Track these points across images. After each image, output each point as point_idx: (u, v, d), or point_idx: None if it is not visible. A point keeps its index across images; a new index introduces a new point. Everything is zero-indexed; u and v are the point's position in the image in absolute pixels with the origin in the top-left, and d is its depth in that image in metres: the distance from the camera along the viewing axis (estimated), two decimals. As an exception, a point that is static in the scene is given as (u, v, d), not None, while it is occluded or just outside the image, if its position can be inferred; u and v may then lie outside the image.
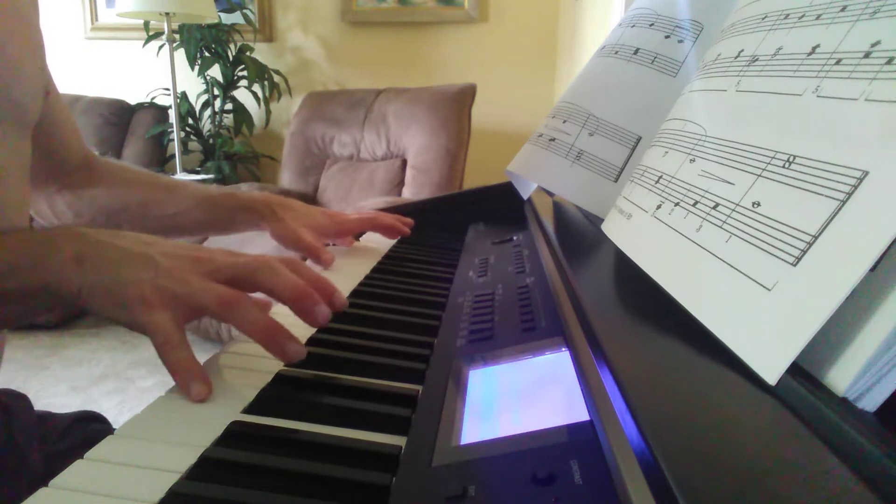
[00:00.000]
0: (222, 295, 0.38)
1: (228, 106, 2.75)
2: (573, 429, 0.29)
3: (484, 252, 0.72)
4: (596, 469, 0.26)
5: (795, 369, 0.23)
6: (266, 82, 2.66)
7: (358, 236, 0.82)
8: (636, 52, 0.59)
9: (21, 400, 0.59)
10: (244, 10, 2.69)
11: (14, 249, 0.38)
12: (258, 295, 0.42)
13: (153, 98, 2.80)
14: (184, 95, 2.71)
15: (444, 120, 2.27)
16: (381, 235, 0.82)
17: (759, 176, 0.29)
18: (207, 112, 2.77)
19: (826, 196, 0.24)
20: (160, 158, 2.80)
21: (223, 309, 0.38)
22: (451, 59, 2.76)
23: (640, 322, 0.34)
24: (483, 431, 0.32)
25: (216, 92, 2.72)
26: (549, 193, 0.73)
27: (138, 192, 0.69)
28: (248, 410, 0.35)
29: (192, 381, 0.36)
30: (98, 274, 0.37)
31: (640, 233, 0.40)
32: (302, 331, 0.47)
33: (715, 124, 0.36)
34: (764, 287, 0.25)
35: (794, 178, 0.27)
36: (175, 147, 2.50)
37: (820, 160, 0.26)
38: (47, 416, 0.60)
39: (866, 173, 0.23)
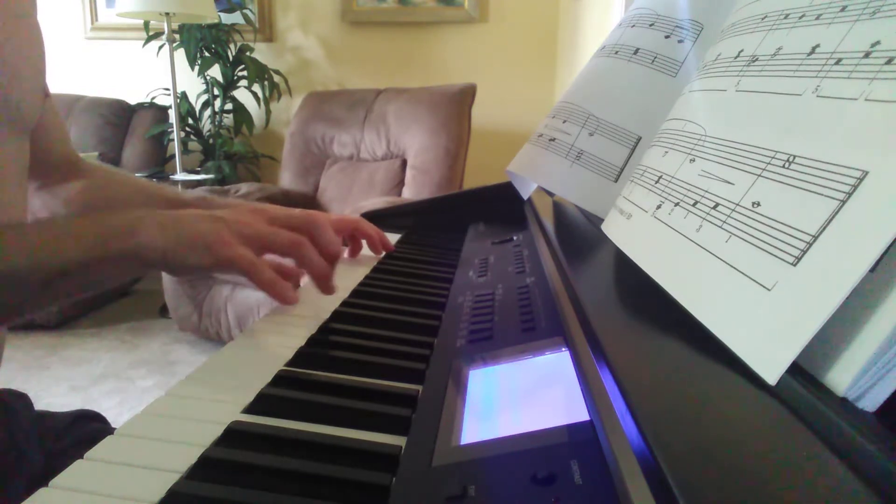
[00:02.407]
0: (289, 236, 0.48)
1: (228, 106, 2.75)
2: (573, 429, 0.29)
3: (484, 252, 0.72)
4: (596, 469, 0.26)
5: (795, 369, 0.23)
6: (266, 82, 2.66)
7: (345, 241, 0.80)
8: (636, 52, 0.59)
9: (21, 399, 0.59)
10: (244, 10, 2.69)
11: (110, 220, 0.46)
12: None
13: (153, 98, 2.81)
14: (184, 95, 2.71)
15: (444, 120, 2.27)
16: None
17: (759, 176, 0.29)
18: (207, 112, 2.77)
19: (826, 196, 0.24)
20: (160, 158, 2.80)
21: (291, 247, 0.48)
22: (451, 59, 2.76)
23: (640, 322, 0.34)
24: (483, 431, 0.32)
25: (216, 92, 2.72)
26: (549, 193, 0.73)
27: (105, 192, 0.69)
28: (248, 410, 0.35)
29: (286, 292, 0.47)
30: (179, 233, 0.45)
31: (640, 233, 0.40)
32: (303, 330, 0.47)
33: (715, 124, 0.36)
34: (764, 287, 0.25)
35: (794, 178, 0.27)
36: (175, 147, 2.50)
37: (820, 160, 0.26)
38: (47, 415, 0.60)
39: (866, 173, 0.23)
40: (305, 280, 0.53)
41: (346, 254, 0.74)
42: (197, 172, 2.63)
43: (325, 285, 0.51)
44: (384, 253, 0.74)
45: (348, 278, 0.62)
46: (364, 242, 0.74)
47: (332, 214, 0.74)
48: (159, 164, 2.78)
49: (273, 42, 2.85)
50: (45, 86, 0.56)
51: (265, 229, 0.48)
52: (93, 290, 0.48)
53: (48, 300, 0.46)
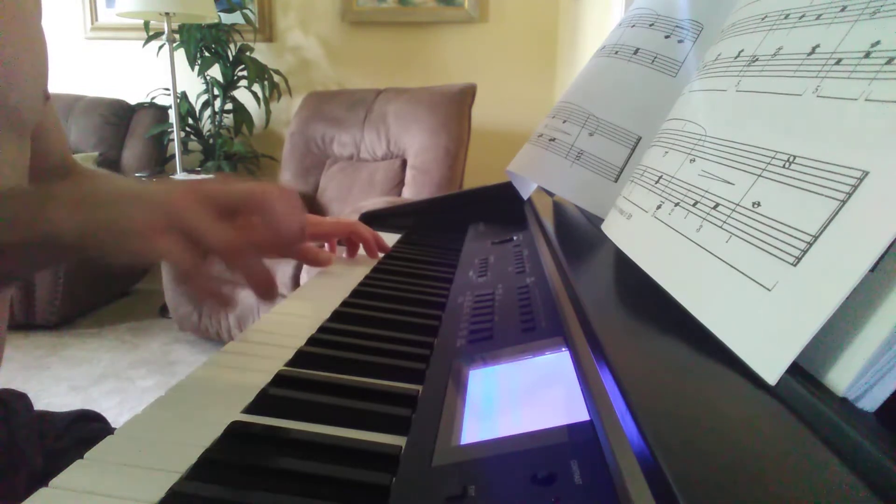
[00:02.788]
0: (231, 241, 0.38)
1: (228, 106, 2.74)
2: (573, 429, 0.29)
3: (484, 252, 0.72)
4: (596, 469, 0.26)
5: (795, 369, 0.23)
6: (266, 82, 2.66)
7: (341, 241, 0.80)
8: (636, 52, 0.59)
9: (21, 399, 0.59)
10: (244, 10, 2.69)
11: (14, 203, 0.39)
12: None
13: (153, 98, 2.80)
14: (184, 95, 2.71)
15: (444, 120, 2.27)
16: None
17: (760, 176, 0.29)
18: (207, 112, 2.77)
19: (826, 196, 0.24)
20: (160, 158, 2.79)
21: (229, 255, 0.38)
22: (451, 59, 2.76)
23: (640, 322, 0.34)
24: (483, 431, 0.32)
25: (216, 92, 2.72)
26: (549, 193, 0.73)
27: None
28: (248, 410, 0.35)
29: (221, 304, 0.38)
30: (99, 213, 0.37)
31: (640, 233, 0.40)
32: (303, 330, 0.47)
33: (715, 124, 0.36)
34: (764, 287, 0.25)
35: (794, 178, 0.27)
36: (175, 147, 2.50)
37: (820, 160, 0.26)
38: (47, 415, 0.60)
39: (866, 173, 0.23)
40: (304, 277, 0.53)
41: (344, 255, 0.74)
42: (197, 172, 2.63)
43: (266, 292, 0.40)
44: (381, 255, 0.74)
45: (348, 278, 0.62)
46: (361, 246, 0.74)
47: (329, 217, 0.74)
48: (159, 164, 2.77)
49: (273, 42, 2.85)
50: (45, 89, 0.56)
51: (202, 224, 0.37)
52: (21, 277, 0.42)
53: None
